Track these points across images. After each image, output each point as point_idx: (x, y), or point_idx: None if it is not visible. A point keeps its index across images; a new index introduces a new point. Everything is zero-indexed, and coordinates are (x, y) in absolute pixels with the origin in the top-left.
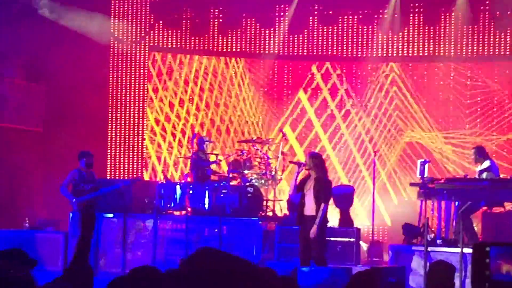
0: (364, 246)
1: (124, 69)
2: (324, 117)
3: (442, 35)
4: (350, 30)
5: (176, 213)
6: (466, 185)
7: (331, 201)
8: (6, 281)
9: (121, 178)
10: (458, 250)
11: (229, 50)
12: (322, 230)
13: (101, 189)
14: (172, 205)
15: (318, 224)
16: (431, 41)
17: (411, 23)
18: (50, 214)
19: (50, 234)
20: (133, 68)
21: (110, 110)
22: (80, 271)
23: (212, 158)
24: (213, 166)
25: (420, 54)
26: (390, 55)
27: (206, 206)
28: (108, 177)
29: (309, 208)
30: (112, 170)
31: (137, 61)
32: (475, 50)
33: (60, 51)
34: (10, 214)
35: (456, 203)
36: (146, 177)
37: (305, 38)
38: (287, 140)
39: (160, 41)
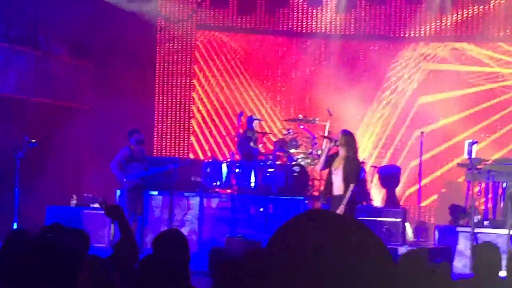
0: (410, 227)
1: (171, 47)
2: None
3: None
4: (397, 9)
5: (222, 191)
6: None
7: (377, 182)
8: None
9: (169, 156)
10: (505, 231)
11: (276, 29)
12: (352, 211)
13: (150, 169)
14: (218, 183)
15: (345, 205)
16: (480, 20)
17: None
18: (97, 191)
19: (96, 211)
20: (180, 46)
21: (157, 87)
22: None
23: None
24: (261, 145)
25: (469, 34)
26: (440, 35)
27: (252, 184)
28: (155, 154)
29: (337, 187)
30: (159, 147)
31: (184, 39)
32: None
33: (107, 28)
34: (58, 191)
35: (504, 184)
36: (192, 154)
37: (353, 17)
38: (333, 118)
39: (207, 20)
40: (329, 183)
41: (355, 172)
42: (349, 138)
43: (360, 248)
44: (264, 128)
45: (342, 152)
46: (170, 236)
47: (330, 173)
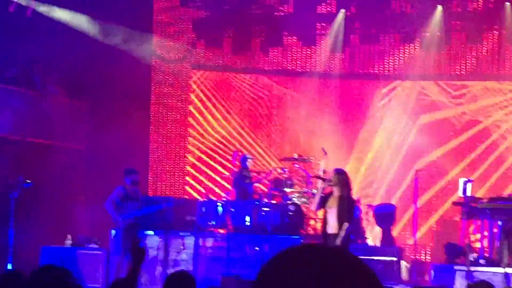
0: (405, 265)
1: (165, 87)
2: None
3: (485, 53)
4: (392, 48)
5: (217, 230)
6: (510, 204)
7: (373, 220)
8: None
9: (163, 195)
10: (501, 270)
11: (270, 68)
12: (346, 247)
13: (144, 209)
14: (214, 222)
15: (339, 244)
16: (474, 59)
17: (453, 41)
18: (92, 231)
19: (91, 251)
20: (174, 86)
21: (151, 127)
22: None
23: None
24: (256, 184)
25: (463, 72)
26: (432, 73)
27: (248, 224)
28: (150, 194)
29: (332, 226)
30: (153, 187)
31: (179, 79)
32: None
33: (102, 68)
34: (53, 231)
35: (500, 222)
36: (188, 194)
37: (347, 56)
38: (327, 157)
39: (202, 59)
40: (325, 222)
41: (349, 211)
42: (342, 177)
43: (353, 283)
44: (259, 167)
45: (336, 191)
46: (181, 277)
47: (325, 212)
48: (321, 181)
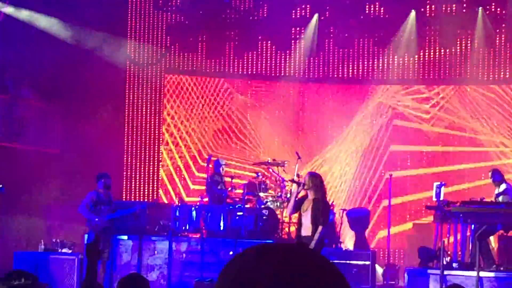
0: (379, 269)
1: (140, 90)
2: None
3: (458, 58)
4: (365, 52)
5: (191, 235)
6: (482, 208)
7: (347, 224)
8: None
9: (137, 199)
10: (474, 273)
11: (244, 72)
12: (319, 250)
13: (118, 212)
14: (187, 227)
15: (313, 247)
16: (447, 64)
17: (426, 46)
18: (65, 236)
19: (65, 256)
20: (148, 90)
21: (126, 131)
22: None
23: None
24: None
25: (436, 76)
26: (405, 78)
27: (222, 228)
28: (124, 198)
29: (306, 228)
30: (128, 191)
31: (153, 83)
32: (490, 74)
33: (75, 72)
34: (26, 236)
35: (473, 226)
36: (162, 198)
37: (321, 60)
38: (301, 161)
39: (176, 64)
40: (299, 225)
41: (323, 214)
42: (316, 180)
43: (318, 283)
44: (233, 171)
45: (310, 194)
46: (132, 280)
47: (300, 215)
48: (296, 185)
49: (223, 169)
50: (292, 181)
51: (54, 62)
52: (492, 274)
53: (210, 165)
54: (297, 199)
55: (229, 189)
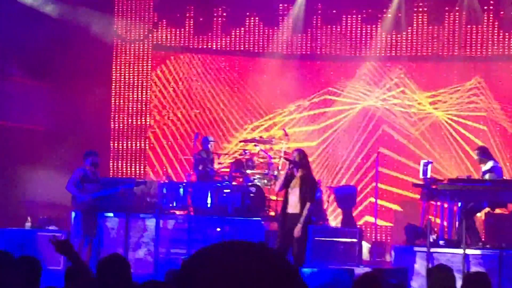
0: (366, 246)
1: (127, 67)
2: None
3: (446, 35)
4: (353, 29)
5: (178, 212)
6: (469, 186)
7: (334, 202)
8: None
9: (124, 177)
10: (460, 251)
11: (232, 49)
12: (305, 229)
13: (105, 190)
14: (174, 204)
15: (302, 223)
16: (435, 40)
17: (415, 22)
18: (52, 213)
19: (51, 233)
20: (136, 67)
21: (113, 108)
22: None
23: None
24: (216, 166)
25: (424, 54)
26: (394, 54)
27: (209, 205)
28: (111, 175)
29: (293, 205)
30: (115, 168)
31: (141, 60)
32: (479, 50)
33: (64, 49)
34: (13, 213)
35: (459, 204)
36: (149, 176)
37: (308, 37)
38: (289, 138)
39: (164, 40)
40: (285, 202)
41: (311, 191)
42: (303, 157)
43: (273, 279)
44: (221, 148)
45: (298, 171)
46: (113, 261)
47: (286, 192)
48: (288, 162)
49: (211, 146)
50: (287, 159)
51: (40, 39)
52: (478, 252)
53: (197, 143)
54: (286, 176)
55: (217, 166)
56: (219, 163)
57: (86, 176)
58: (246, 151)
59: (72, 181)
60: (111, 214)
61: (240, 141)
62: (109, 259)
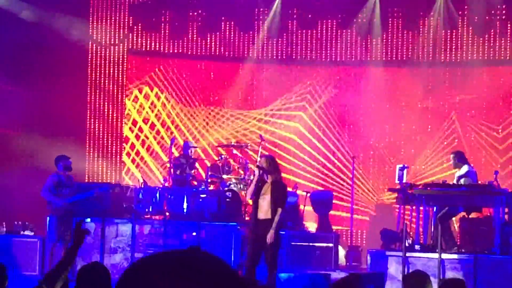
0: (342, 251)
1: (102, 71)
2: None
3: (420, 40)
4: (329, 34)
5: (155, 217)
6: (444, 191)
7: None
8: None
9: (100, 182)
10: (436, 255)
11: (208, 53)
12: (277, 235)
13: (79, 194)
14: (151, 209)
15: (275, 229)
16: (410, 46)
17: (390, 27)
18: (27, 218)
19: (27, 238)
20: (111, 71)
21: (88, 113)
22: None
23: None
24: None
25: (399, 58)
26: (369, 59)
27: (185, 210)
28: (87, 180)
29: (264, 211)
30: (91, 173)
31: (116, 64)
32: (453, 55)
33: (38, 52)
34: None
35: (435, 208)
36: (125, 181)
37: (284, 41)
38: (264, 144)
39: (139, 44)
40: (255, 208)
41: (282, 196)
42: (273, 163)
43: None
44: (198, 153)
45: (269, 177)
46: (92, 270)
47: (257, 198)
48: (258, 169)
49: (191, 152)
50: (258, 166)
51: (16, 43)
52: (454, 256)
53: (174, 147)
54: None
55: (193, 171)
56: (195, 168)
57: (60, 181)
58: (222, 156)
59: (47, 187)
60: (88, 220)
61: (217, 146)
62: (89, 267)
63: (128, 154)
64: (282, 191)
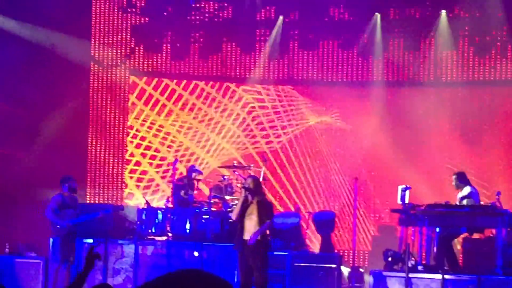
0: (345, 271)
1: (104, 92)
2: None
3: (422, 60)
4: (330, 54)
5: (157, 238)
6: (447, 212)
7: (313, 227)
8: None
9: (102, 203)
10: (439, 276)
11: (209, 74)
12: (265, 254)
13: (82, 216)
14: (153, 230)
15: (258, 232)
16: (411, 66)
17: (391, 48)
18: (31, 240)
19: (30, 260)
20: (113, 92)
21: (90, 134)
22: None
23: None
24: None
25: (400, 79)
26: (370, 79)
27: (188, 231)
28: (88, 201)
29: (250, 231)
30: (92, 195)
31: (117, 85)
32: (454, 75)
33: (39, 73)
34: None
35: (437, 229)
36: (128, 202)
37: (286, 62)
38: (267, 164)
39: (141, 65)
40: (241, 229)
41: (269, 213)
42: (257, 183)
43: None
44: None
45: (254, 197)
46: None
47: (243, 219)
48: (243, 190)
49: (195, 176)
50: (243, 187)
51: (17, 64)
52: (456, 277)
53: (177, 169)
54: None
55: (195, 192)
56: (197, 189)
57: (65, 202)
58: (225, 177)
59: (51, 208)
60: (90, 241)
61: (219, 167)
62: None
63: (131, 174)
64: (268, 207)
